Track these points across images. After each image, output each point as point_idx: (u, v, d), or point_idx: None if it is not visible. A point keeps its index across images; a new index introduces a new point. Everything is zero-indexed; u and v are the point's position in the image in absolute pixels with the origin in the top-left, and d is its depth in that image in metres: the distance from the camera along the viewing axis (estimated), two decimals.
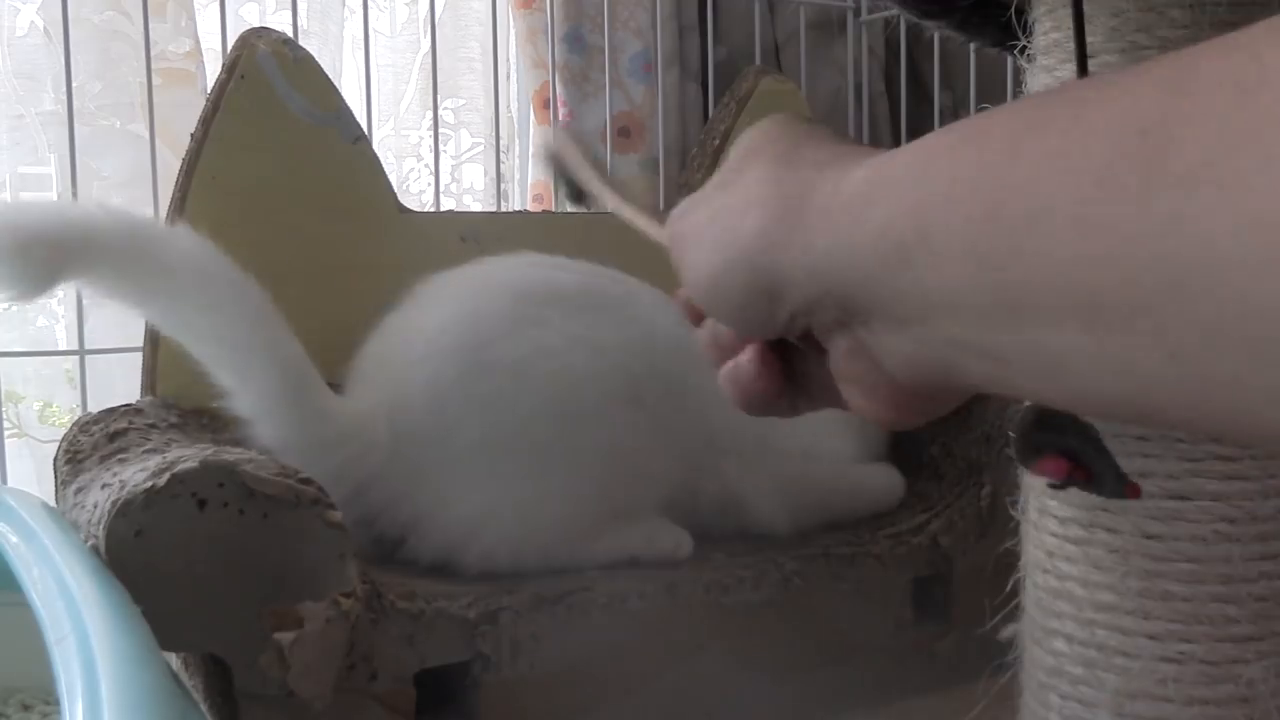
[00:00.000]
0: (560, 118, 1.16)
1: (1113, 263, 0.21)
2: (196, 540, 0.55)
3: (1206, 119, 0.20)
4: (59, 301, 0.99)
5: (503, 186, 1.18)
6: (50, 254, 0.59)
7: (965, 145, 0.26)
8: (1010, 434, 0.42)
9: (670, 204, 1.14)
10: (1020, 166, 0.23)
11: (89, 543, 0.54)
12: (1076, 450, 0.40)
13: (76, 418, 0.78)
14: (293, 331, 0.68)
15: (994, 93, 1.08)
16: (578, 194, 0.53)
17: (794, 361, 0.36)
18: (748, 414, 0.37)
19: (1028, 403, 0.43)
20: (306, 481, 0.58)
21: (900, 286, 0.26)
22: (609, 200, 0.51)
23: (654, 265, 0.84)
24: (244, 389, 0.66)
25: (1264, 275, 0.19)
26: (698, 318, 0.39)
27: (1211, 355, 0.20)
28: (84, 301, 0.90)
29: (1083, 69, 0.54)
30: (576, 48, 1.16)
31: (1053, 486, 0.43)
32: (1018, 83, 0.71)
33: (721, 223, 0.33)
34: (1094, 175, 0.22)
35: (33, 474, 0.97)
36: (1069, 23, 0.59)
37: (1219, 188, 0.19)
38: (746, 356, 0.36)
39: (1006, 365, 0.25)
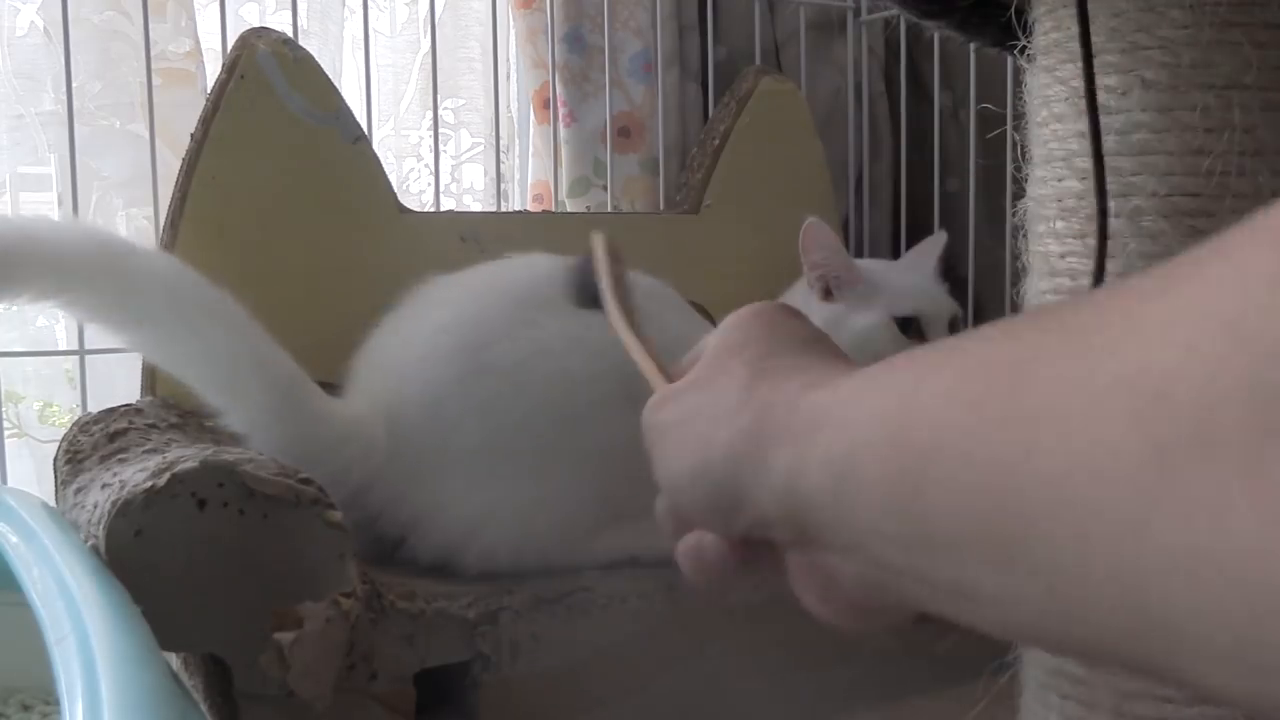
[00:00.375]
0: (560, 118, 1.16)
1: (991, 493, 0.22)
2: (196, 540, 0.55)
3: (1054, 360, 0.21)
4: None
5: (503, 186, 1.18)
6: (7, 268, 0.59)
7: (888, 378, 0.28)
8: None
9: (670, 204, 1.14)
10: (921, 400, 0.25)
11: (89, 543, 0.54)
12: None
13: (76, 418, 0.78)
14: (284, 337, 0.68)
15: (994, 93, 1.08)
16: (591, 298, 0.52)
17: (754, 545, 0.36)
18: (697, 586, 0.38)
19: None
20: (306, 481, 0.58)
21: (839, 514, 0.28)
22: (618, 326, 0.51)
23: (655, 266, 0.84)
24: (235, 407, 0.65)
25: (1098, 519, 0.20)
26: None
27: (1079, 593, 0.21)
28: None
29: (1089, 66, 0.54)
30: (576, 48, 1.16)
31: None
32: (1018, 83, 0.71)
33: (694, 428, 0.35)
34: (972, 408, 0.23)
35: (33, 474, 0.97)
36: (1069, 23, 0.59)
37: (1058, 424, 0.20)
38: (711, 539, 0.36)
39: (935, 591, 0.26)
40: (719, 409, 0.34)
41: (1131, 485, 0.19)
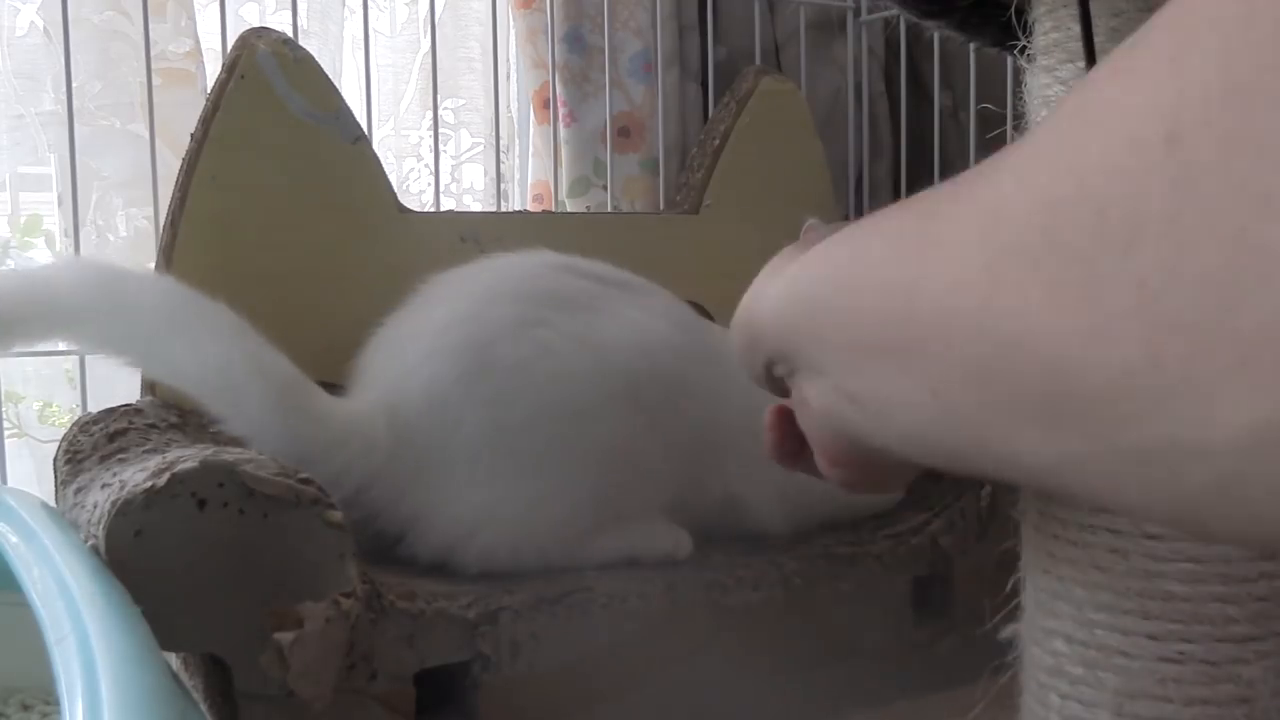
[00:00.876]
0: (560, 118, 1.16)
1: (897, 311, 0.27)
2: (196, 540, 0.55)
3: (947, 205, 0.27)
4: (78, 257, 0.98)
5: (503, 186, 1.18)
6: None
7: (851, 232, 0.34)
8: None
9: (670, 204, 1.14)
10: (866, 241, 0.31)
11: (89, 543, 0.54)
12: None
13: (76, 418, 0.78)
14: (284, 336, 0.68)
15: (994, 93, 1.08)
16: None
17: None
18: (782, 465, 0.46)
19: None
20: (306, 481, 0.58)
21: (813, 336, 0.34)
22: None
23: (655, 266, 0.84)
24: (235, 414, 0.65)
25: (964, 333, 0.24)
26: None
27: (955, 394, 0.26)
28: None
29: (1091, 64, 0.54)
30: (576, 48, 1.16)
31: None
32: (1018, 83, 0.71)
33: (742, 303, 0.42)
34: (891, 244, 0.29)
35: (33, 474, 0.97)
36: (1069, 23, 0.59)
37: (940, 249, 0.26)
38: (772, 409, 0.44)
39: (863, 409, 0.31)
40: (751, 291, 0.42)
41: (974, 290, 0.24)
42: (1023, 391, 0.23)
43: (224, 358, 0.65)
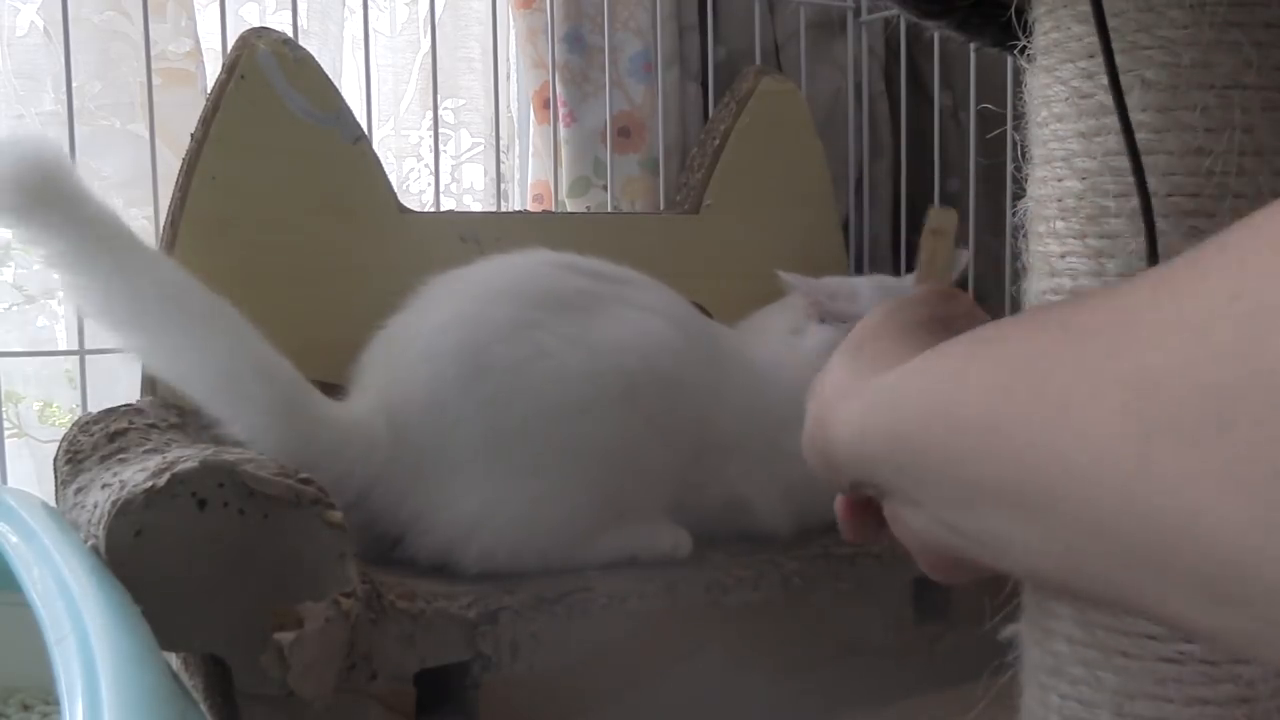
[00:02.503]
0: (560, 118, 1.16)
1: (1020, 464, 0.27)
2: (196, 540, 0.55)
3: (1065, 358, 0.26)
4: (59, 301, 0.99)
5: (503, 186, 1.18)
6: (40, 190, 0.58)
7: (939, 363, 0.33)
8: None
9: (670, 204, 1.14)
10: (966, 383, 0.30)
11: (89, 543, 0.54)
12: None
13: (76, 418, 0.78)
14: (284, 337, 0.67)
15: (994, 93, 1.08)
16: None
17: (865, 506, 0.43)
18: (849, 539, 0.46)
19: None
20: (306, 481, 0.58)
21: (900, 473, 0.33)
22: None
23: (655, 266, 0.84)
24: (235, 415, 0.64)
25: (1098, 489, 0.24)
26: None
27: (1086, 547, 0.25)
28: None
29: (1110, 60, 0.54)
30: (576, 48, 1.16)
31: None
32: (1018, 83, 0.71)
33: (814, 397, 0.42)
34: (1005, 395, 0.28)
35: (33, 474, 0.97)
36: (1069, 23, 0.59)
37: (1075, 409, 0.25)
38: (839, 500, 0.45)
39: (978, 544, 0.30)
40: (826, 383, 0.41)
41: (1124, 462, 0.23)
42: (1180, 569, 0.22)
43: (229, 357, 0.64)
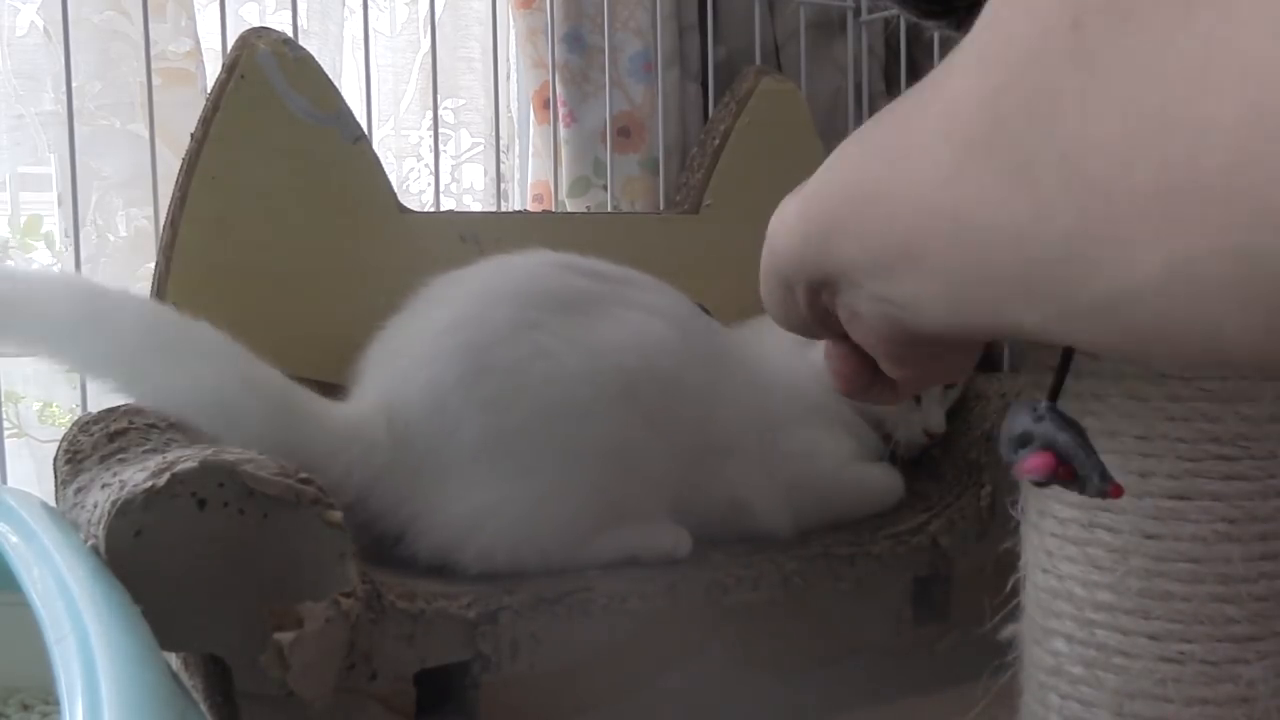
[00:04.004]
0: (560, 118, 1.16)
1: (894, 216, 0.29)
2: (196, 540, 0.55)
3: (913, 105, 0.28)
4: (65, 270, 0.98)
5: (503, 186, 1.18)
6: None
7: (845, 146, 0.34)
8: (999, 431, 0.42)
9: (670, 204, 1.14)
10: (860, 153, 0.32)
11: (89, 543, 0.54)
12: (1062, 447, 0.40)
13: (76, 418, 0.78)
14: (284, 337, 0.68)
15: None
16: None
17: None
18: (854, 399, 0.44)
19: (1015, 400, 0.43)
20: (306, 481, 0.58)
21: (838, 256, 0.34)
22: None
23: (655, 266, 0.84)
24: (232, 433, 0.65)
25: (934, 215, 0.26)
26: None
27: (961, 286, 0.27)
28: None
29: None
30: (576, 48, 1.16)
31: (1035, 484, 0.43)
32: None
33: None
34: (878, 150, 0.30)
35: (33, 474, 0.97)
36: None
37: (916, 153, 0.27)
38: (831, 344, 0.43)
39: (901, 309, 0.31)
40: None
41: (948, 190, 0.25)
42: (1004, 274, 0.25)
43: (214, 379, 0.64)
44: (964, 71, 0.26)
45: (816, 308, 0.40)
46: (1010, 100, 0.23)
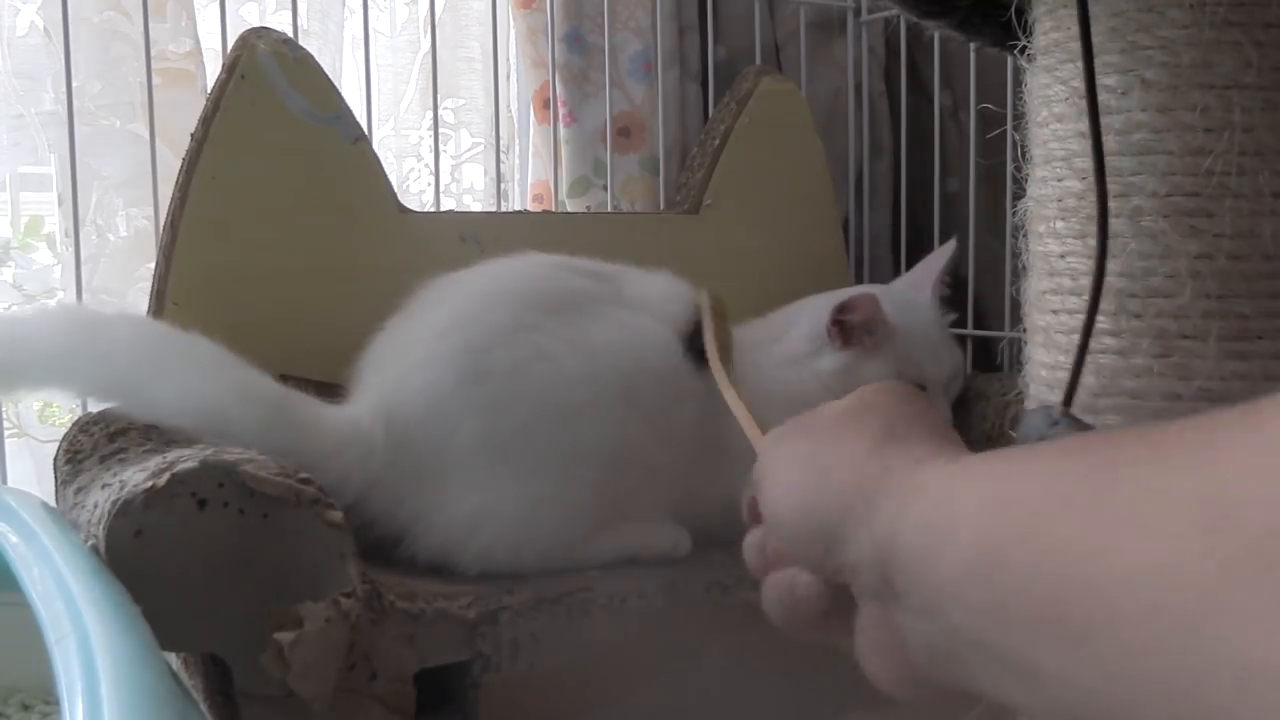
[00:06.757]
0: (560, 118, 1.16)
1: (1069, 581, 0.24)
2: (196, 540, 0.55)
3: (1136, 471, 0.24)
4: (59, 302, 0.99)
5: (503, 186, 1.18)
6: None
7: (992, 465, 0.31)
8: (1011, 433, 0.42)
9: (670, 204, 1.14)
10: (1017, 489, 0.28)
11: (89, 543, 0.54)
12: None
13: (76, 418, 0.78)
14: (284, 337, 0.68)
15: (994, 93, 1.08)
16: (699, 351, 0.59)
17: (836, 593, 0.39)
18: (785, 629, 0.42)
19: (1029, 404, 0.43)
20: (306, 481, 0.58)
21: (925, 575, 0.30)
22: (720, 381, 0.59)
23: (655, 266, 0.84)
24: (231, 443, 0.65)
25: (1161, 618, 0.21)
26: (755, 520, 0.44)
27: (1134, 684, 0.22)
28: (84, 300, 0.90)
29: (1089, 66, 0.54)
30: (576, 48, 1.16)
31: None
32: (1018, 83, 0.71)
33: (816, 467, 0.38)
34: (1062, 503, 0.25)
35: (33, 474, 0.97)
36: (1069, 23, 0.59)
37: (1136, 527, 0.23)
38: (806, 578, 0.40)
39: (999, 665, 0.27)
40: (844, 457, 0.37)
41: (1195, 590, 0.20)
42: (1234, 716, 0.20)
43: (209, 391, 0.65)
44: (1251, 455, 0.21)
45: (837, 576, 0.36)
46: None
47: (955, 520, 0.30)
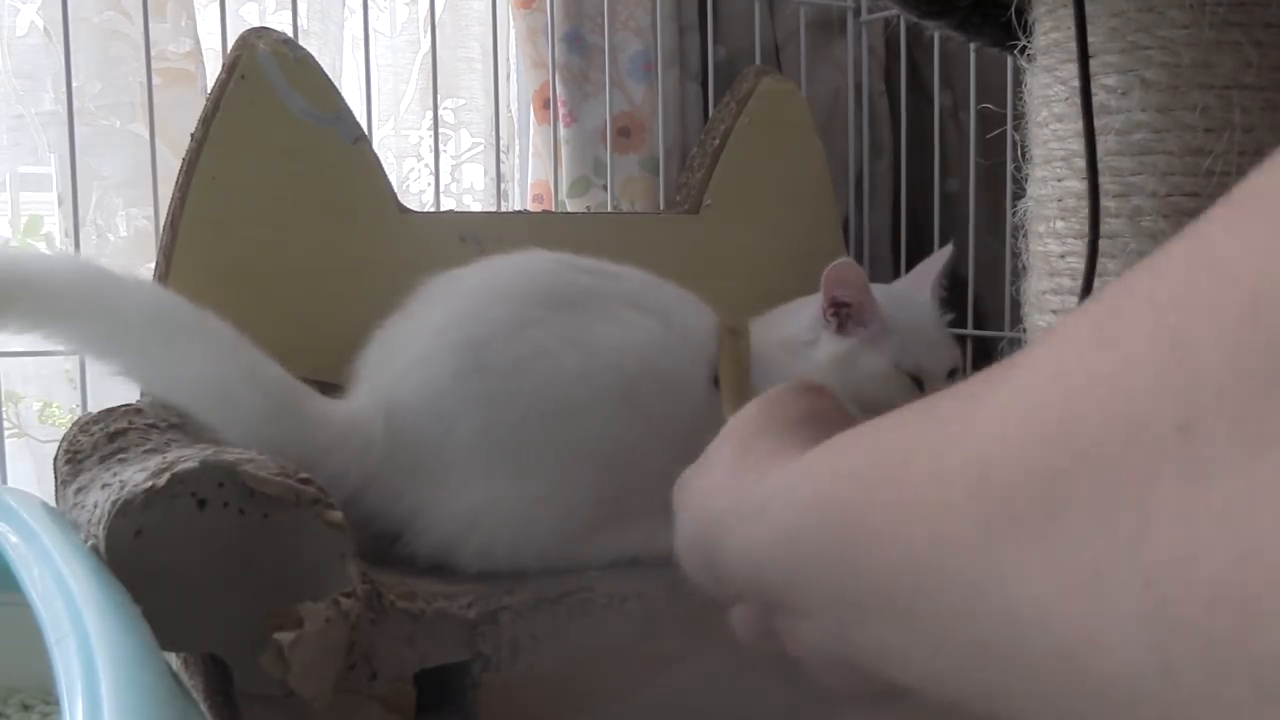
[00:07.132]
0: (560, 118, 1.16)
1: (887, 566, 0.25)
2: (196, 540, 0.55)
3: (923, 450, 0.25)
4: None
5: (503, 186, 1.18)
6: None
7: (819, 462, 0.31)
8: None
9: (670, 204, 1.14)
10: (837, 487, 0.29)
11: (89, 543, 0.54)
12: None
13: (76, 418, 0.78)
14: (283, 336, 0.68)
15: (994, 93, 1.08)
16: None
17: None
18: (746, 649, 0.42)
19: None
20: (306, 481, 0.58)
21: (789, 586, 0.32)
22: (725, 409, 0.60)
23: (655, 266, 0.84)
24: (229, 423, 0.65)
25: (953, 585, 0.23)
26: None
27: (954, 650, 0.24)
28: None
29: (1084, 66, 0.54)
30: (576, 48, 1.16)
31: None
32: (1018, 83, 0.71)
33: (693, 503, 0.40)
34: (868, 491, 0.26)
35: (33, 474, 0.97)
36: (1069, 23, 0.59)
37: (923, 507, 0.23)
38: (740, 606, 0.41)
39: (869, 655, 0.28)
40: (709, 486, 0.39)
41: (969, 555, 0.22)
42: (1032, 670, 0.21)
43: (217, 367, 0.64)
44: (1000, 430, 0.22)
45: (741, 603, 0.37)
46: (1077, 490, 0.19)
47: (792, 532, 0.31)
